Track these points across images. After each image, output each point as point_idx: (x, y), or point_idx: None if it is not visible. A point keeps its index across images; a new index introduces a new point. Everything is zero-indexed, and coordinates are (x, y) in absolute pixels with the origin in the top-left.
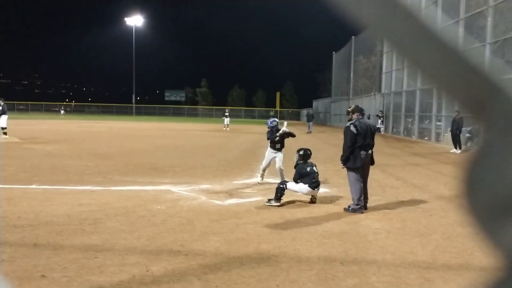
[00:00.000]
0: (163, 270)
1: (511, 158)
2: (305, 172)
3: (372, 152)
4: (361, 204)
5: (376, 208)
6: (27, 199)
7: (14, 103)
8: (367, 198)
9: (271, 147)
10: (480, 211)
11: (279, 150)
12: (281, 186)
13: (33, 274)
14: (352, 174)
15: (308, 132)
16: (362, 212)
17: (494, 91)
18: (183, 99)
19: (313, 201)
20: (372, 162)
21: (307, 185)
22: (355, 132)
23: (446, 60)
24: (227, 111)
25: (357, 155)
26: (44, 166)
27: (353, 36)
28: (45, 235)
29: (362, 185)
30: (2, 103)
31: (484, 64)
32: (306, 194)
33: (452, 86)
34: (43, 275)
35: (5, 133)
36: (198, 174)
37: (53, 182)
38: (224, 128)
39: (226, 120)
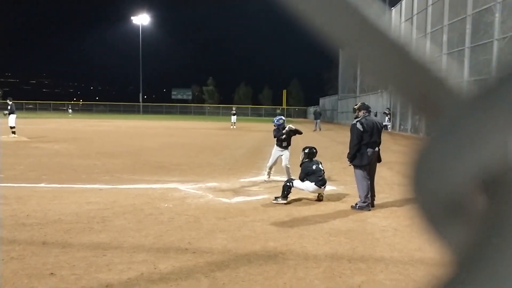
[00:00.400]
0: (171, 268)
1: (454, 154)
2: (311, 171)
3: (379, 149)
4: (368, 202)
5: (383, 206)
6: (36, 198)
7: (22, 102)
8: (374, 196)
9: (277, 145)
10: (426, 209)
11: (286, 148)
12: (288, 184)
13: (42, 272)
14: (359, 171)
15: (314, 130)
16: (369, 210)
17: (435, 84)
18: (190, 97)
19: (319, 199)
20: (379, 160)
21: (314, 183)
22: (362, 129)
23: (388, 53)
24: (234, 109)
25: (364, 152)
26: (53, 165)
27: None
28: (54, 233)
29: (369, 182)
30: (10, 103)
31: (425, 57)
32: (313, 192)
33: (396, 81)
34: (52, 273)
35: (13, 132)
36: (205, 172)
37: (62, 180)
38: (232, 127)
39: (233, 118)
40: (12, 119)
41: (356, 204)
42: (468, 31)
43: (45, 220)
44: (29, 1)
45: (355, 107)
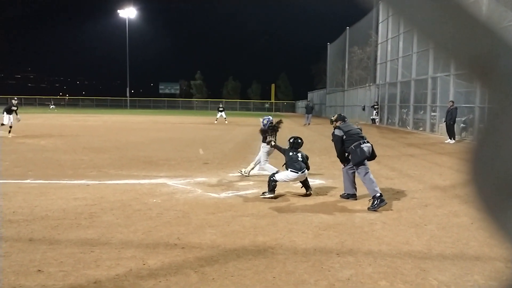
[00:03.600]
0: (160, 263)
1: None
2: (288, 157)
3: (371, 144)
4: (382, 196)
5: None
6: (22, 194)
7: (7, 97)
8: (355, 189)
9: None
10: (490, 193)
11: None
12: (272, 178)
13: (29, 269)
14: (361, 168)
15: (305, 124)
16: (386, 203)
17: (502, 47)
18: (178, 91)
19: (308, 194)
20: (374, 156)
21: (290, 169)
22: (341, 134)
23: (445, 13)
24: (221, 105)
25: (358, 150)
26: (39, 161)
27: (347, 27)
28: (41, 229)
29: (371, 175)
30: (15, 102)
31: (490, 16)
32: (295, 179)
33: (453, 44)
34: (39, 270)
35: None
36: (193, 167)
37: (48, 176)
38: (215, 122)
39: (220, 114)
40: (9, 118)
41: (374, 204)
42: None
43: (32, 216)
44: None
45: (332, 118)
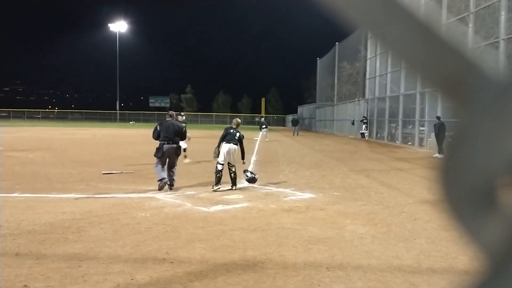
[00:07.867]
0: (148, 279)
1: (490, 139)
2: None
3: (176, 146)
4: (164, 180)
5: (361, 213)
6: (9, 208)
7: None
8: (174, 180)
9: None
10: (456, 204)
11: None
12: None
13: (15, 284)
14: (156, 160)
15: (293, 135)
16: (166, 185)
17: (467, 66)
18: (168, 105)
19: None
20: (177, 154)
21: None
22: (158, 128)
23: (416, 35)
24: (263, 120)
25: (160, 147)
26: (27, 174)
27: (337, 43)
28: (28, 244)
29: (162, 167)
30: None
31: (456, 38)
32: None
33: (423, 63)
34: (25, 285)
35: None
36: (183, 181)
37: (36, 190)
38: (267, 140)
39: (264, 131)
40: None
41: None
42: (470, 29)
43: (19, 230)
44: (1, 6)
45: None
